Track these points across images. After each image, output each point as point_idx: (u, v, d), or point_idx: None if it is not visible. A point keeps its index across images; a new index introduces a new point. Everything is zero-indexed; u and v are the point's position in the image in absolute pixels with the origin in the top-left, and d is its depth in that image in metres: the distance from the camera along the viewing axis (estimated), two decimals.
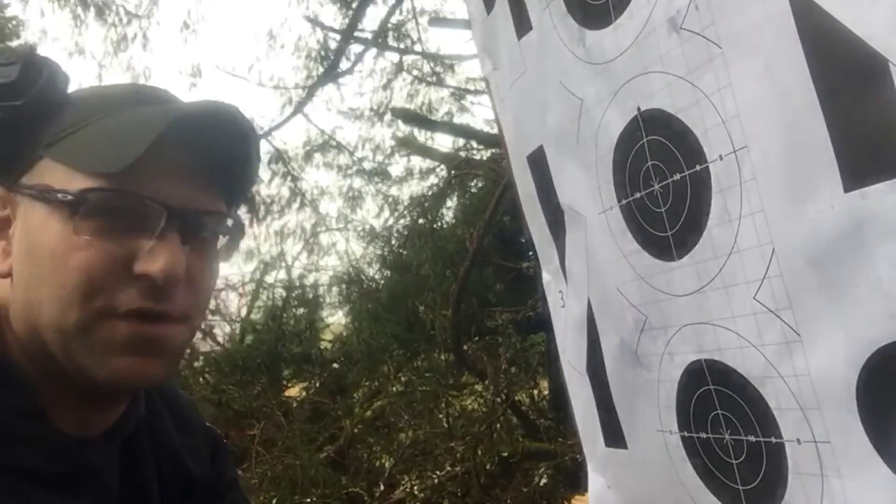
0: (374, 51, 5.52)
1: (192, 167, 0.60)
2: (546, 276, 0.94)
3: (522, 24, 0.84)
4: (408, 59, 5.77)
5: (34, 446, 0.57)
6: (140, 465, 0.69)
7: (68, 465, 0.59)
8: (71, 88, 0.64)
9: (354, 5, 4.95)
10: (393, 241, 4.49)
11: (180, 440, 0.75)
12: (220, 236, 0.65)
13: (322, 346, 4.73)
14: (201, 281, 0.62)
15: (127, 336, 0.57)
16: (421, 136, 5.95)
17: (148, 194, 0.58)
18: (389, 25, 5.14)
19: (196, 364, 4.19)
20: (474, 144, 5.15)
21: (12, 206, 0.60)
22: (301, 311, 4.86)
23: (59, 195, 0.56)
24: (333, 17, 5.51)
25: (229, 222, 0.65)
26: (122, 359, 0.57)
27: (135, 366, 0.58)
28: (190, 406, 0.82)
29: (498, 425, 3.48)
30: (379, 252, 4.57)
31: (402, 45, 5.39)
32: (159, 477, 0.71)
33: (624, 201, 0.72)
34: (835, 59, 0.48)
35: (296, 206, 6.12)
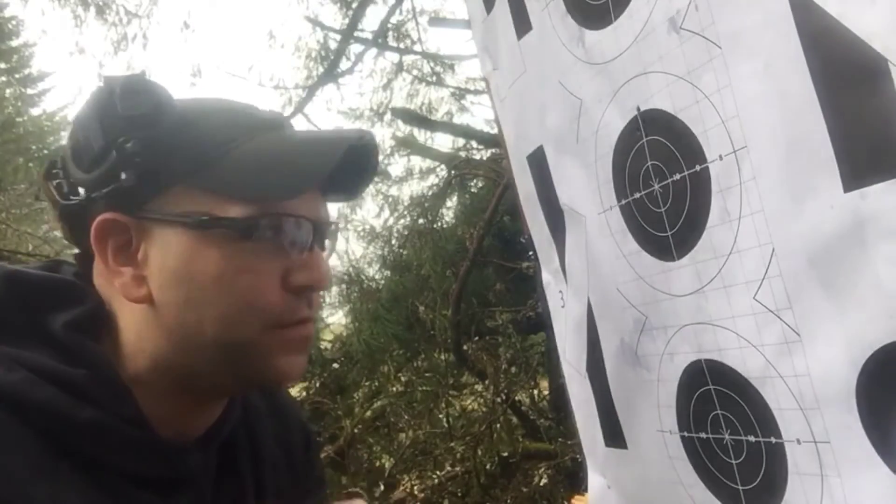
0: (374, 51, 5.52)
1: (327, 184, 0.65)
2: (546, 276, 0.94)
3: (522, 24, 0.84)
4: (408, 59, 5.76)
5: (135, 450, 0.59)
6: (236, 471, 0.71)
7: (166, 469, 0.61)
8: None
9: (354, 5, 4.94)
10: (393, 241, 4.49)
11: (280, 436, 0.77)
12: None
13: (322, 346, 4.72)
14: None
15: (301, 339, 0.63)
16: (421, 136, 5.94)
17: (302, 213, 0.62)
18: (389, 25, 5.14)
19: None
20: (474, 144, 5.14)
21: (138, 232, 0.61)
22: None
23: (225, 222, 0.59)
24: (333, 17, 5.52)
25: (334, 231, 0.71)
26: (295, 359, 0.63)
27: (297, 364, 0.64)
28: (290, 401, 0.85)
29: (498, 425, 3.48)
30: (379, 252, 4.56)
31: (402, 45, 5.39)
32: (257, 488, 0.72)
33: (624, 201, 0.72)
34: (835, 59, 0.48)
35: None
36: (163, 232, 0.60)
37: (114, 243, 0.61)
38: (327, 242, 0.68)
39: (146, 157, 0.59)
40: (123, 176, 0.59)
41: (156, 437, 0.61)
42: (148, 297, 0.60)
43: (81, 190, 0.62)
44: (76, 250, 0.66)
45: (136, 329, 0.62)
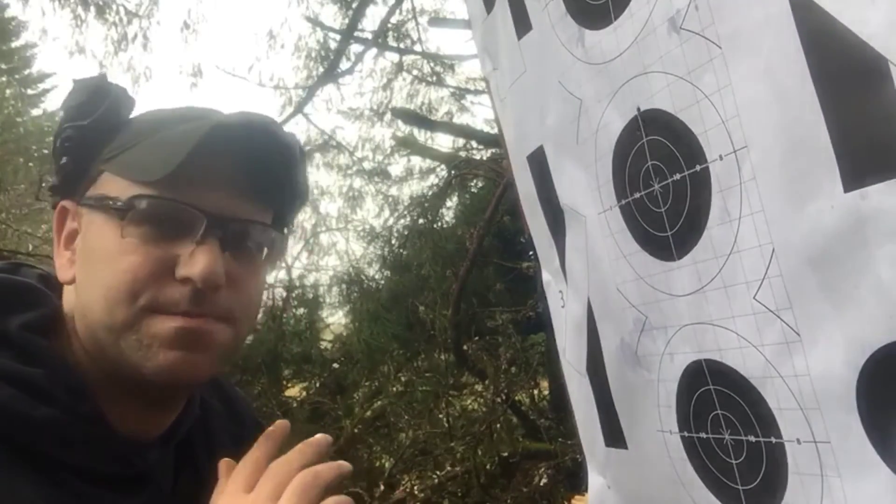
0: (374, 51, 5.52)
1: (233, 176, 0.64)
2: (546, 276, 0.94)
3: (522, 24, 0.84)
4: (408, 59, 5.76)
5: (92, 447, 0.60)
6: (195, 468, 0.71)
7: (124, 465, 0.62)
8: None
9: (354, 5, 4.94)
10: (393, 241, 4.49)
11: (235, 434, 0.77)
12: (265, 248, 0.68)
13: (322, 346, 4.72)
14: (245, 287, 0.66)
15: (172, 331, 0.61)
16: (421, 136, 5.94)
17: (189, 202, 0.62)
18: (389, 25, 5.14)
19: None
20: (474, 144, 5.14)
21: (79, 218, 0.65)
22: (301, 311, 4.86)
23: (111, 202, 0.62)
24: (333, 17, 5.51)
25: (272, 234, 0.69)
26: (169, 353, 0.61)
27: (180, 360, 0.62)
28: (245, 402, 0.86)
29: (498, 425, 3.48)
30: (379, 252, 4.56)
31: (402, 45, 5.39)
32: (215, 482, 0.72)
33: (624, 201, 0.72)
34: (835, 60, 0.48)
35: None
36: (88, 215, 0.64)
37: (67, 229, 0.66)
38: (258, 246, 0.67)
39: (76, 142, 0.64)
40: (63, 161, 0.65)
41: (114, 435, 0.62)
42: (73, 279, 0.64)
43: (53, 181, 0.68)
44: None
45: (72, 315, 0.65)
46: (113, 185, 0.63)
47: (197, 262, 0.61)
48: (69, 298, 0.65)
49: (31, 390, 0.57)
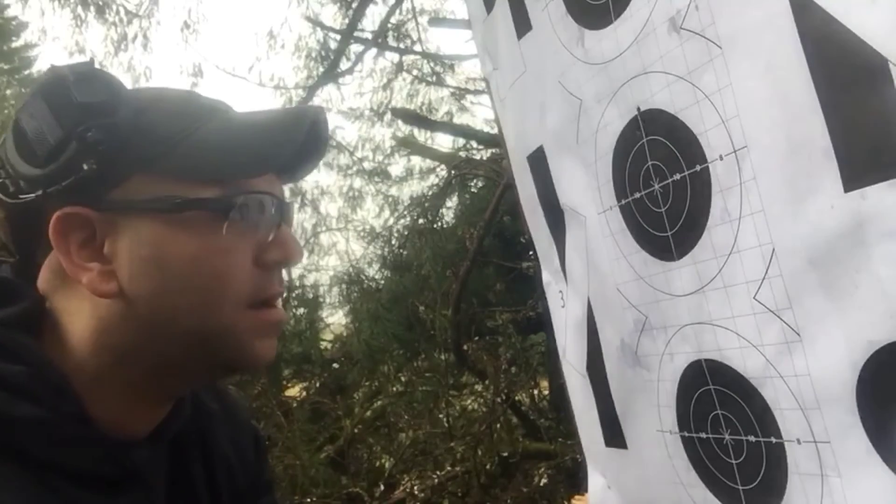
0: (374, 51, 5.52)
1: (286, 164, 0.65)
2: (546, 276, 0.94)
3: (522, 24, 0.84)
4: (408, 59, 5.76)
5: (79, 447, 0.58)
6: (188, 469, 0.70)
7: (112, 466, 0.60)
8: None
9: (354, 5, 4.94)
10: (393, 241, 4.49)
11: (230, 435, 0.76)
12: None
13: (322, 346, 4.72)
14: None
15: (269, 324, 0.63)
16: (421, 136, 5.94)
17: (269, 191, 0.63)
18: (389, 25, 5.14)
19: None
20: (474, 144, 5.15)
21: (103, 225, 0.59)
22: (301, 311, 4.86)
23: (201, 203, 0.59)
24: (333, 17, 5.51)
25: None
26: (262, 342, 0.63)
27: (271, 347, 0.64)
28: (238, 402, 0.84)
29: (498, 425, 3.48)
30: (379, 252, 4.57)
31: (402, 45, 5.39)
32: (211, 485, 0.71)
33: (624, 201, 0.72)
34: (835, 59, 0.48)
35: (296, 205, 6.12)
36: (130, 222, 0.59)
37: (77, 239, 0.59)
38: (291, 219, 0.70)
39: (108, 145, 0.57)
40: (85, 167, 0.56)
41: (99, 434, 0.59)
42: (117, 291, 0.58)
43: (32, 186, 0.58)
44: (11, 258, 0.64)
45: (97, 324, 0.60)
46: (165, 185, 0.58)
47: (286, 245, 0.63)
48: (92, 311, 0.60)
49: (12, 388, 0.55)
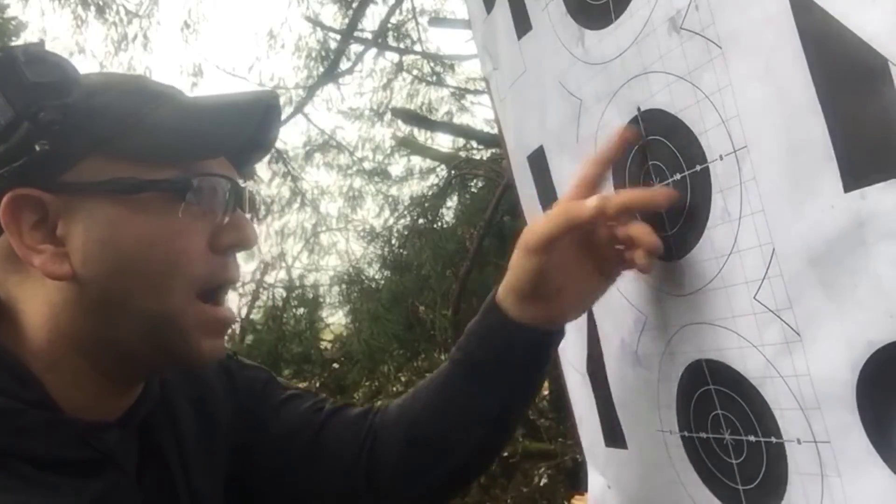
0: (374, 51, 5.52)
1: (240, 145, 0.64)
2: None
3: (522, 24, 0.84)
4: (408, 59, 5.76)
5: (47, 434, 0.57)
6: (160, 451, 0.69)
7: (81, 449, 0.59)
8: None
9: (354, 5, 4.94)
10: (393, 241, 4.49)
11: (193, 396, 0.75)
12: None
13: (322, 346, 4.72)
14: None
15: (216, 322, 0.63)
16: (421, 136, 5.94)
17: (223, 174, 0.62)
18: (389, 25, 5.14)
19: None
20: (474, 144, 5.14)
21: (56, 207, 0.58)
22: (301, 311, 4.86)
23: (158, 185, 0.58)
24: (333, 17, 5.51)
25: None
26: (209, 341, 0.63)
27: (217, 347, 0.64)
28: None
29: None
30: (379, 252, 4.56)
31: (402, 45, 5.39)
32: (184, 463, 0.70)
33: None
34: (835, 59, 0.48)
35: (296, 206, 6.12)
36: (83, 204, 0.58)
37: (29, 220, 0.58)
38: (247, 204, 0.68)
39: (60, 125, 0.56)
40: (37, 147, 0.56)
41: (66, 419, 0.59)
42: (70, 274, 0.58)
43: None
44: None
45: (49, 310, 0.59)
46: (123, 167, 0.58)
47: (241, 230, 0.63)
48: (44, 297, 0.59)
49: None
